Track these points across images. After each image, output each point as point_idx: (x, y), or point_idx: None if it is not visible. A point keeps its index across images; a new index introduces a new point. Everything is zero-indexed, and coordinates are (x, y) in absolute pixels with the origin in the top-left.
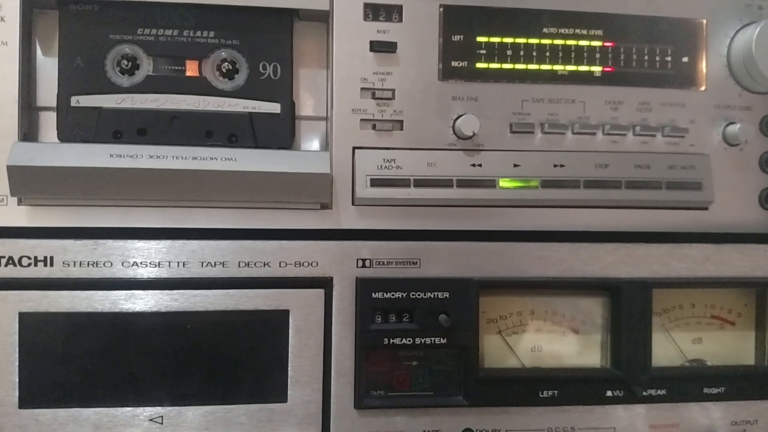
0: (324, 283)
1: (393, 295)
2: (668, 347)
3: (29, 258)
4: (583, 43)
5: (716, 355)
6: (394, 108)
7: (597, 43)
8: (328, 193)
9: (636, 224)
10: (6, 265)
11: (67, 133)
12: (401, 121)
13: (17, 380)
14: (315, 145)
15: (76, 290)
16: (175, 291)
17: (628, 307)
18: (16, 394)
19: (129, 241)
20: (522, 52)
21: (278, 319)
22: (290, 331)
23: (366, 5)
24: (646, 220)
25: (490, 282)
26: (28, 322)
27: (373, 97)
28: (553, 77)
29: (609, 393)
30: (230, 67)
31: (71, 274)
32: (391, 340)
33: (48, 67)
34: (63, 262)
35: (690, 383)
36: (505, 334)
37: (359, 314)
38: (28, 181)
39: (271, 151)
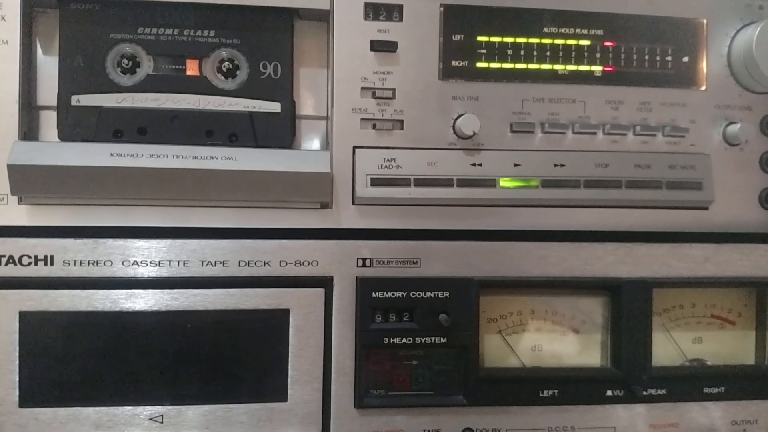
0: (324, 283)
1: (393, 294)
2: (668, 347)
3: (29, 257)
4: (584, 42)
5: (716, 354)
6: (394, 107)
7: (597, 43)
8: (329, 193)
9: (636, 224)
10: (6, 264)
11: (68, 133)
12: (401, 121)
13: (17, 379)
14: (315, 144)
15: (76, 289)
16: (176, 290)
17: (629, 307)
18: (17, 393)
19: (129, 240)
20: (522, 52)
21: (278, 319)
22: (290, 330)
23: (366, 4)
24: (646, 220)
25: (491, 281)
26: (29, 321)
27: (374, 96)
28: (553, 77)
29: (609, 393)
30: (231, 66)
31: (71, 273)
32: (392, 340)
33: (48, 66)
34: (63, 261)
35: (690, 383)
36: (505, 334)
37: (359, 313)
38: (29, 180)
39: (272, 151)
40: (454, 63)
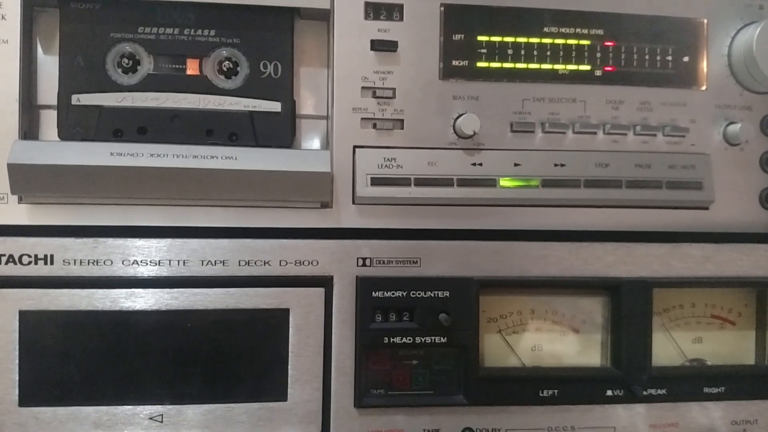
0: (324, 282)
1: (393, 294)
2: (668, 347)
3: (29, 256)
4: (584, 42)
5: (716, 354)
6: (394, 107)
7: (598, 43)
8: (329, 192)
9: (636, 224)
10: (6, 264)
11: (68, 132)
12: (402, 120)
13: (17, 378)
14: (315, 143)
15: (76, 288)
16: (176, 289)
17: (629, 307)
18: (16, 392)
19: (129, 239)
20: (523, 52)
21: (278, 318)
22: (290, 329)
23: (367, 4)
24: (646, 220)
25: (491, 281)
26: (29, 320)
27: (374, 96)
28: (553, 76)
29: (609, 392)
30: (231, 65)
31: (71, 272)
32: (392, 339)
33: (49, 65)
34: (63, 261)
35: (690, 383)
36: (505, 334)
37: (359, 313)
38: (29, 180)
39: (272, 150)
40: (455, 62)
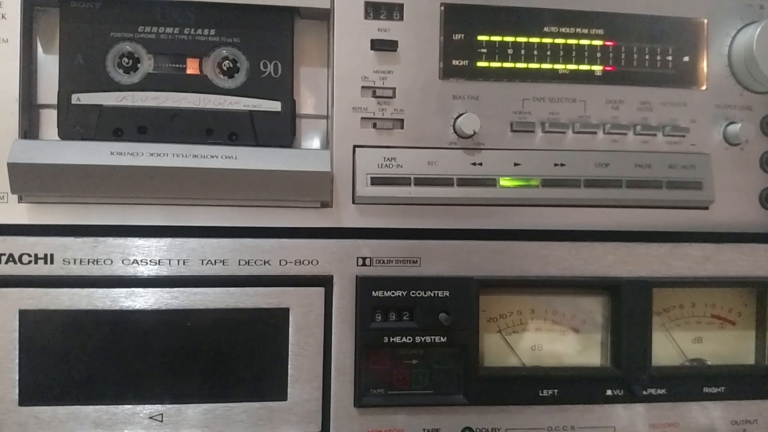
0: (324, 282)
1: (393, 293)
2: (668, 346)
3: (29, 255)
4: (584, 42)
5: (716, 354)
6: (394, 106)
7: (598, 43)
8: (329, 192)
9: (636, 223)
10: (6, 263)
11: (68, 131)
12: (402, 120)
13: (17, 378)
14: (315, 143)
15: (76, 288)
16: (176, 289)
17: (629, 307)
18: (16, 391)
19: (129, 238)
20: (523, 51)
21: (278, 318)
22: (290, 329)
23: (367, 3)
24: (646, 220)
25: (491, 281)
26: (29, 319)
27: (374, 95)
28: (553, 76)
29: (609, 392)
30: (231, 65)
31: (71, 271)
32: (391, 339)
33: (49, 64)
34: (63, 260)
35: (690, 382)
36: (505, 333)
37: (359, 313)
38: (29, 179)
39: (272, 150)
40: (455, 62)
